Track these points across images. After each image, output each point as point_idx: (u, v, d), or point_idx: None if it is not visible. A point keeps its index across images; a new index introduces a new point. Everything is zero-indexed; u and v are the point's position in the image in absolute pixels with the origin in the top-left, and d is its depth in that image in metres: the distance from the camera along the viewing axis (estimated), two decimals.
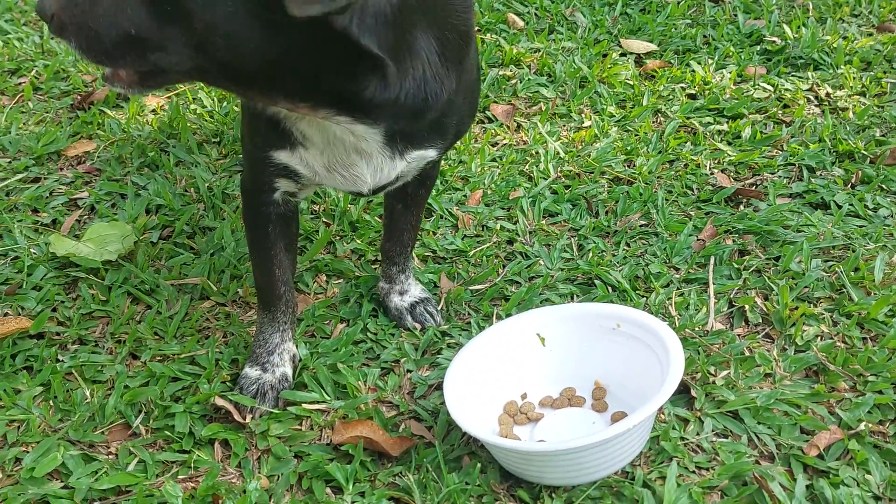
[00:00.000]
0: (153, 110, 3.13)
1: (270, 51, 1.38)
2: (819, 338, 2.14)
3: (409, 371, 2.11)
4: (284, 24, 1.33)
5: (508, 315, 2.22)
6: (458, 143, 2.93)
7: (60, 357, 2.15)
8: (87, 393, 2.05)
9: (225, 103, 3.17)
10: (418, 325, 2.24)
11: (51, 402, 2.03)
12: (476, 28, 3.59)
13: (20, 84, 3.30)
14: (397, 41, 1.47)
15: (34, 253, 2.47)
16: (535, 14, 3.82)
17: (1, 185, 2.74)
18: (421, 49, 1.53)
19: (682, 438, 1.89)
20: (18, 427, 1.97)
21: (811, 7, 3.79)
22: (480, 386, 1.92)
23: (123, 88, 1.52)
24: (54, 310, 2.30)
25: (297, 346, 2.15)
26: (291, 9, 1.24)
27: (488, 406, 1.93)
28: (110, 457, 1.91)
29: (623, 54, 3.51)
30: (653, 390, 1.77)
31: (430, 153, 1.81)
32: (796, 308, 2.20)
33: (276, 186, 1.89)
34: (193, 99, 3.20)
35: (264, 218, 1.96)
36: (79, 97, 3.20)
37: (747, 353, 2.09)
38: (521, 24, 3.73)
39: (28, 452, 1.89)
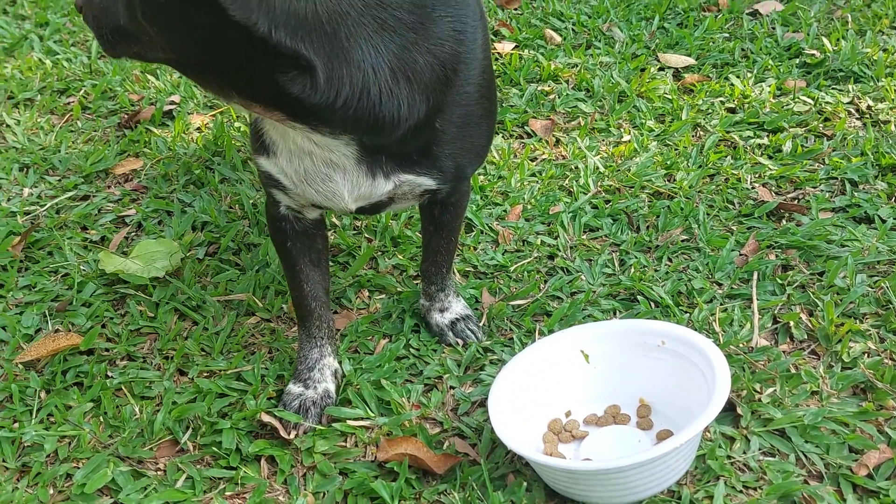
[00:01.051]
0: (198, 128, 3.19)
1: (191, 42, 1.48)
2: (866, 354, 2.12)
3: (452, 387, 2.13)
4: (189, 15, 1.42)
5: (551, 331, 2.22)
6: (498, 158, 2.95)
7: (110, 373, 2.20)
8: (136, 409, 2.09)
9: None
10: (460, 342, 2.26)
11: (101, 418, 2.07)
12: (512, 45, 3.61)
13: (69, 103, 3.37)
14: (323, 45, 1.49)
15: (84, 270, 2.53)
16: (573, 29, 3.83)
17: (51, 203, 2.81)
18: (362, 61, 1.55)
19: (729, 457, 1.88)
20: (70, 443, 2.02)
21: (850, 19, 3.76)
22: (524, 403, 1.93)
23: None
24: (103, 326, 2.35)
25: (339, 362, 2.18)
26: None
27: (532, 424, 1.94)
28: (159, 473, 1.95)
29: (661, 69, 3.51)
30: (699, 408, 1.77)
31: (425, 181, 1.84)
32: (842, 324, 2.18)
33: (277, 200, 1.94)
34: (237, 117, 3.25)
35: (282, 234, 2.01)
36: (126, 116, 3.26)
37: (793, 371, 2.08)
38: (558, 39, 3.74)
39: (79, 468, 1.94)
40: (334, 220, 2.70)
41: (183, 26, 1.45)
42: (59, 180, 2.93)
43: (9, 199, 2.83)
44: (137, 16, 1.49)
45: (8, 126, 3.20)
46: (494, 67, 3.50)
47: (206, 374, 2.19)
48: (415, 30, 1.61)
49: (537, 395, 1.97)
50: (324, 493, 1.87)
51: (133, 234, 2.71)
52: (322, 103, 1.55)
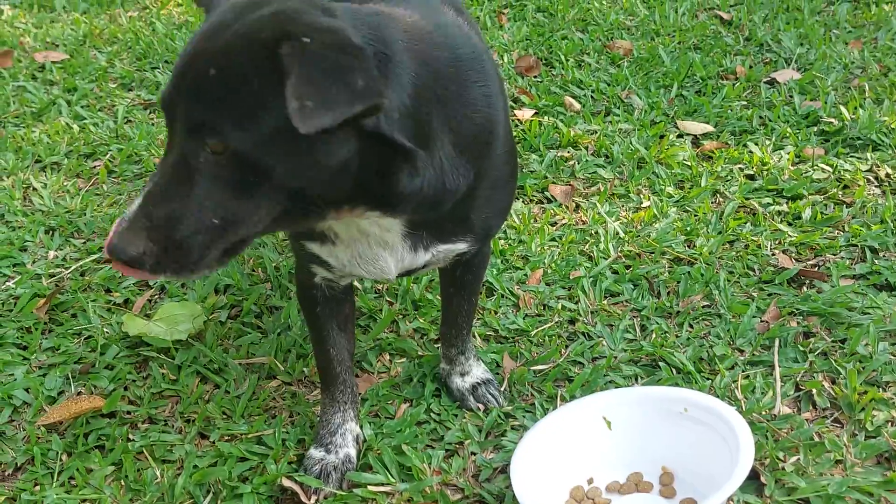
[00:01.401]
0: None
1: (332, 170, 1.44)
2: (890, 423, 2.10)
3: (473, 453, 2.12)
4: (336, 144, 1.40)
5: (573, 397, 2.22)
6: (518, 222, 2.98)
7: (132, 436, 2.20)
8: (158, 472, 2.09)
9: None
10: (481, 406, 2.25)
11: (122, 482, 2.07)
12: (532, 112, 3.67)
13: (95, 167, 3.43)
14: (419, 131, 1.52)
15: (107, 332, 2.55)
16: (592, 97, 3.89)
17: (76, 265, 2.84)
18: (437, 138, 1.58)
19: None
20: None
21: (867, 88, 3.81)
22: (547, 470, 1.92)
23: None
24: (126, 388, 2.36)
25: (360, 426, 2.17)
26: (300, 127, 1.28)
27: (554, 491, 1.93)
28: None
29: (680, 135, 3.55)
30: (722, 476, 1.76)
31: (459, 246, 1.86)
32: (865, 392, 2.17)
33: (314, 272, 1.94)
34: None
35: (312, 300, 2.01)
36: None
37: (816, 439, 2.07)
38: (577, 106, 3.80)
39: None
40: (356, 283, 2.73)
41: (326, 157, 1.42)
42: (84, 243, 2.97)
43: (34, 262, 2.87)
44: (274, 179, 1.41)
45: (35, 189, 3.26)
46: (515, 134, 3.55)
47: (227, 438, 2.19)
48: (458, 98, 1.63)
49: (559, 461, 1.96)
50: None
51: (156, 296, 2.73)
52: (415, 189, 1.57)
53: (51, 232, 3.03)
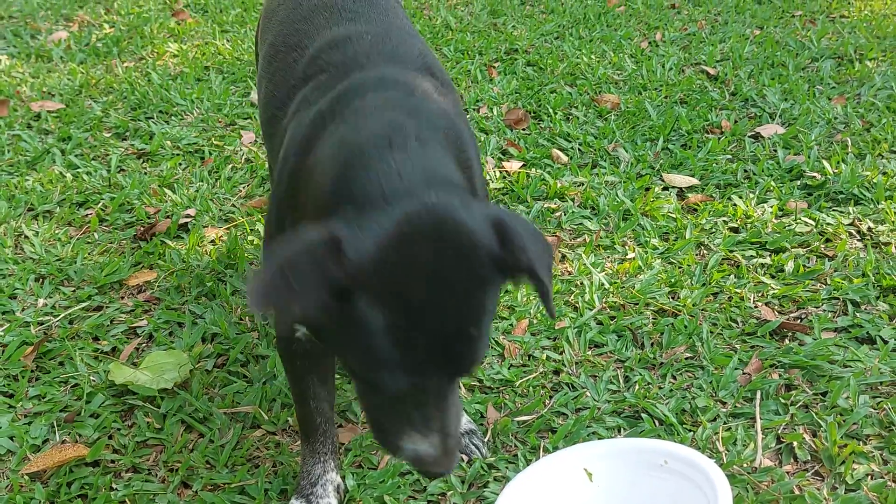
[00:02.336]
0: (212, 241, 3.27)
1: None
2: (869, 476, 2.12)
3: None
4: None
5: (555, 448, 2.23)
6: None
7: (115, 485, 2.20)
8: None
9: None
10: (464, 457, 2.26)
11: None
12: (520, 164, 3.72)
13: (87, 216, 3.47)
14: None
15: (93, 380, 2.56)
16: (579, 149, 3.95)
17: (65, 313, 2.86)
18: None
19: None
20: None
21: (850, 143, 3.87)
22: None
23: None
24: (110, 437, 2.37)
25: (343, 477, 2.18)
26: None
27: None
28: None
29: (665, 188, 3.60)
30: None
31: None
32: (845, 445, 2.19)
33: (296, 328, 1.93)
34: (251, 230, 3.33)
35: (292, 354, 2.02)
36: (142, 228, 3.35)
37: (797, 492, 2.08)
38: (564, 158, 3.85)
39: None
40: None
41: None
42: (74, 291, 2.99)
43: (23, 310, 2.89)
44: None
45: (26, 237, 3.29)
46: (503, 185, 3.60)
47: (210, 488, 2.20)
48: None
49: None
50: None
51: (144, 345, 2.75)
52: None
53: (41, 280, 3.05)
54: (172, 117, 4.35)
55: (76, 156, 3.92)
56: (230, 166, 3.82)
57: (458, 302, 1.45)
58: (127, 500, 2.15)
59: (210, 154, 3.94)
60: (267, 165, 3.26)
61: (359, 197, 1.50)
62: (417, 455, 1.57)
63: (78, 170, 3.79)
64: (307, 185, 1.69)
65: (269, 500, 2.15)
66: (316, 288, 1.37)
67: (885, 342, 2.59)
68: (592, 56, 5.05)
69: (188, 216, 3.42)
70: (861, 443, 2.22)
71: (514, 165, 3.75)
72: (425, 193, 1.48)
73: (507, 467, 2.22)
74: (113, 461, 2.28)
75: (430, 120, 1.72)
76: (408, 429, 1.56)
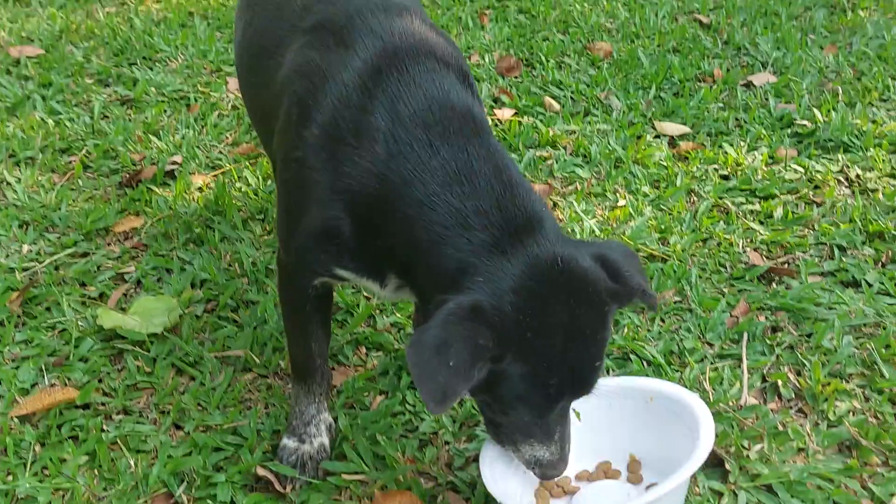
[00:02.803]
0: (199, 188, 3.25)
1: None
2: (851, 413, 2.15)
3: (446, 443, 2.14)
4: None
5: None
6: None
7: (105, 427, 2.21)
8: (132, 462, 2.10)
9: (269, 182, 3.28)
10: None
11: (95, 471, 2.08)
12: (511, 112, 3.70)
13: (70, 162, 3.43)
14: None
15: (81, 325, 2.55)
16: (571, 97, 3.92)
17: (50, 259, 2.84)
18: None
19: None
20: (63, 495, 2.02)
21: (841, 92, 3.86)
22: (516, 460, 1.94)
23: None
24: (100, 381, 2.36)
25: (335, 417, 2.19)
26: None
27: (525, 480, 1.95)
28: None
29: (657, 136, 3.59)
30: (682, 459, 1.79)
31: None
32: (829, 384, 2.21)
33: (319, 275, 1.93)
34: (239, 177, 3.31)
35: (303, 299, 2.00)
36: (127, 175, 3.32)
37: (781, 428, 2.10)
38: (557, 107, 3.83)
39: None
40: None
41: None
42: (59, 237, 2.97)
43: (7, 256, 2.87)
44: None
45: (8, 184, 3.26)
46: (494, 134, 3.57)
47: (202, 429, 2.20)
48: None
49: None
50: None
51: (132, 291, 2.74)
52: None
53: (25, 226, 3.02)
54: (156, 63, 4.30)
55: (58, 102, 3.87)
56: (216, 113, 3.79)
57: (589, 343, 1.61)
58: (118, 440, 2.15)
59: (196, 101, 3.90)
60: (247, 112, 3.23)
61: (466, 239, 1.61)
62: (536, 458, 1.76)
63: (60, 116, 3.75)
64: (382, 204, 1.71)
65: (261, 440, 2.16)
66: (473, 363, 1.49)
67: (870, 285, 2.61)
68: (585, 4, 5.01)
69: (174, 163, 3.39)
70: (844, 381, 2.25)
71: (505, 113, 3.73)
72: (535, 240, 1.61)
73: None
74: (103, 404, 2.28)
75: (490, 145, 1.75)
76: (530, 439, 1.73)
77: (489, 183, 1.65)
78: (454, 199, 1.64)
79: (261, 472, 2.02)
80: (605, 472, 1.99)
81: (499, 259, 1.58)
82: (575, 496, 1.94)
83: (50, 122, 3.69)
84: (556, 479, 1.97)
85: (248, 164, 3.39)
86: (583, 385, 1.66)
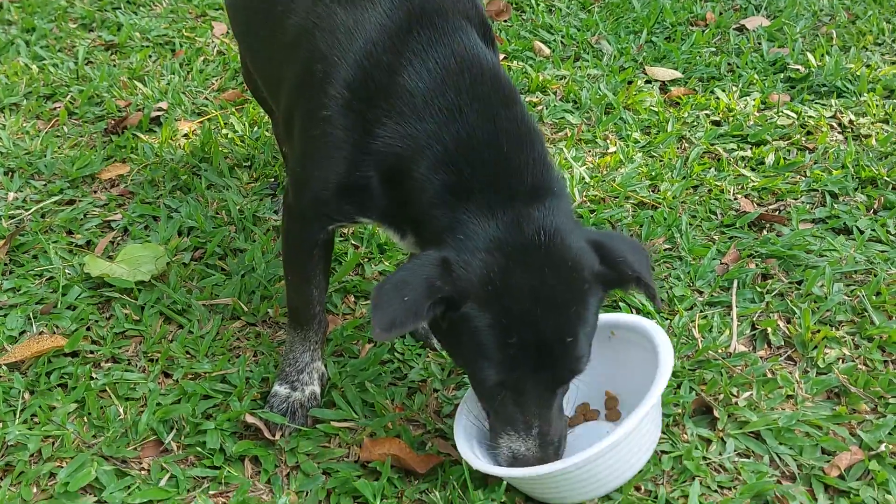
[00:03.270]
0: (186, 135, 3.21)
1: None
2: (841, 360, 2.16)
3: (435, 390, 2.15)
4: None
5: None
6: None
7: (94, 375, 2.20)
8: (121, 410, 2.10)
9: (256, 128, 3.24)
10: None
11: (85, 419, 2.08)
12: (501, 57, 3.65)
13: (55, 109, 3.38)
14: None
15: (69, 273, 2.53)
16: (562, 42, 3.87)
17: (36, 207, 2.81)
18: None
19: (705, 458, 1.90)
20: (53, 443, 2.02)
21: (835, 36, 3.82)
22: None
23: None
24: (88, 329, 2.35)
25: (325, 366, 2.19)
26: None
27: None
28: (143, 472, 1.95)
29: (648, 81, 3.55)
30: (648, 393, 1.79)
31: None
32: (818, 331, 2.22)
33: (337, 221, 1.93)
34: (225, 124, 3.27)
35: (311, 244, 1.99)
36: (112, 122, 3.28)
37: (769, 375, 2.11)
38: (547, 51, 3.78)
39: (62, 468, 1.94)
40: None
41: None
42: (45, 185, 2.93)
43: None
44: None
45: None
46: None
47: (190, 377, 2.20)
48: None
49: None
50: (307, 493, 1.89)
51: (119, 238, 2.72)
52: None
53: (10, 173, 2.99)
54: (140, 7, 4.22)
55: (41, 47, 3.81)
56: (202, 58, 3.73)
57: (557, 313, 1.62)
58: (107, 388, 2.15)
59: (181, 46, 3.83)
60: (240, 60, 3.18)
61: (463, 203, 1.66)
62: (513, 455, 1.74)
63: (44, 62, 3.68)
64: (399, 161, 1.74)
65: (250, 387, 2.16)
66: (425, 301, 1.56)
67: (861, 232, 2.61)
68: None
69: (160, 109, 3.35)
70: (834, 328, 2.25)
71: None
72: (529, 211, 1.65)
73: None
74: (92, 352, 2.28)
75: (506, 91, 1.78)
76: (508, 428, 1.72)
77: (508, 153, 1.68)
78: (467, 166, 1.67)
79: (250, 419, 2.02)
80: (583, 414, 2.00)
81: (486, 223, 1.64)
82: None
83: (34, 67, 3.63)
84: None
85: (234, 110, 3.35)
86: (549, 356, 1.64)
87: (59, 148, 3.14)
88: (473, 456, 1.79)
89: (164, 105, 3.37)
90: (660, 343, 1.85)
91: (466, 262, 1.62)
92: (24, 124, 3.26)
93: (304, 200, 1.93)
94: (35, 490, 1.90)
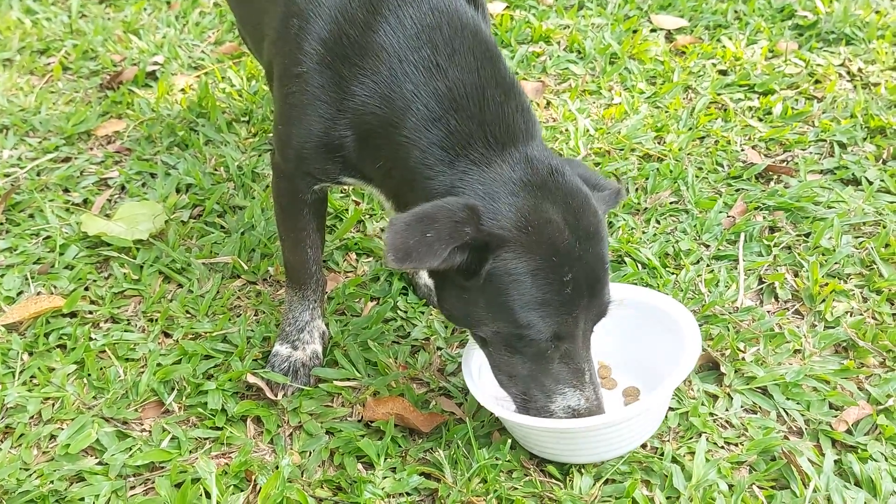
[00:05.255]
0: (182, 90, 3.15)
1: None
2: (849, 314, 2.13)
3: (439, 348, 2.12)
4: None
5: None
6: None
7: (93, 335, 2.18)
8: (121, 370, 2.08)
9: (254, 82, 3.18)
10: None
11: (84, 380, 2.06)
12: (503, 7, 3.57)
13: (49, 64, 3.32)
14: None
15: (66, 232, 2.50)
16: None
17: (32, 165, 2.77)
18: None
19: (712, 414, 1.89)
20: (53, 404, 2.01)
21: None
22: (490, 376, 1.90)
23: None
24: (86, 289, 2.33)
25: (327, 324, 2.16)
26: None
27: (499, 395, 1.93)
28: (144, 433, 1.94)
29: (653, 30, 3.47)
30: (658, 361, 1.77)
31: None
32: (826, 284, 2.19)
33: (321, 181, 1.90)
34: (222, 78, 3.21)
35: (300, 203, 1.96)
36: (108, 77, 3.22)
37: (777, 330, 2.09)
38: (550, 0, 3.70)
39: (63, 429, 1.93)
40: None
41: None
42: (40, 142, 2.89)
43: None
44: None
45: None
46: None
47: (191, 336, 2.18)
48: None
49: None
50: (310, 452, 1.87)
51: (116, 196, 2.68)
52: None
53: (4, 130, 2.94)
54: None
55: (34, 0, 3.73)
56: (198, 10, 3.65)
57: (594, 241, 1.59)
58: (107, 349, 2.13)
59: None
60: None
61: (461, 156, 1.61)
62: (572, 411, 1.66)
63: (37, 16, 3.61)
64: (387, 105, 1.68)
65: (251, 347, 2.13)
66: (449, 241, 1.47)
67: (870, 182, 2.56)
68: None
69: (156, 63, 3.29)
70: (842, 282, 2.22)
71: (497, 7, 3.60)
72: (528, 153, 1.62)
73: None
74: (90, 312, 2.25)
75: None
76: (561, 386, 1.65)
77: (497, 101, 1.65)
78: (455, 120, 1.63)
79: (251, 379, 2.00)
80: None
81: (497, 168, 1.60)
82: None
83: (27, 21, 3.56)
84: None
85: (231, 64, 3.29)
86: (598, 288, 1.60)
87: (53, 104, 3.09)
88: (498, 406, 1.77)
89: (159, 59, 3.31)
90: (678, 316, 1.82)
91: (493, 209, 1.55)
92: (18, 80, 3.20)
93: (288, 159, 1.90)
94: (36, 452, 1.89)
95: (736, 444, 1.83)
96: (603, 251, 1.62)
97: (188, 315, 2.24)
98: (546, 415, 1.67)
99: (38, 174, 2.74)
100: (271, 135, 2.92)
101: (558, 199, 1.58)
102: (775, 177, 2.64)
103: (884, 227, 2.38)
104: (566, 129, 2.89)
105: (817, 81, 3.10)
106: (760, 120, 2.92)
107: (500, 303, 1.58)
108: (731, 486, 1.73)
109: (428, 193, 1.63)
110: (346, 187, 2.63)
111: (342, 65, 1.71)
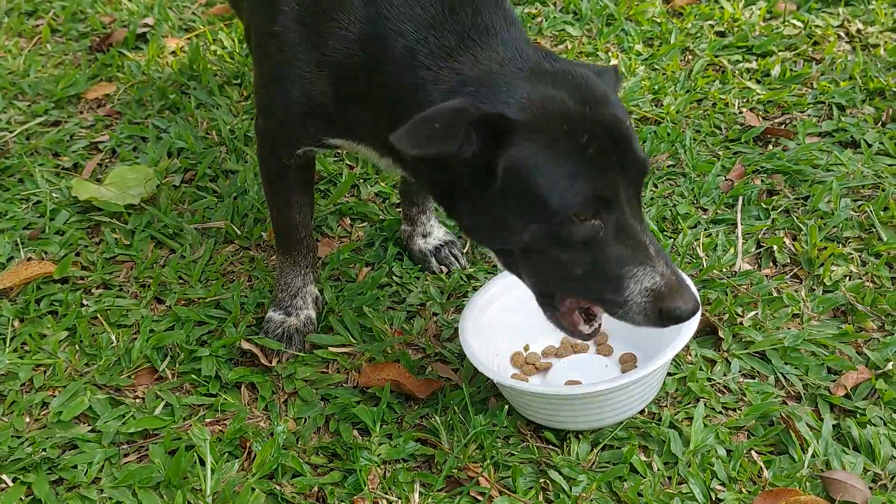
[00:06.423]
0: (173, 52, 3.10)
1: None
2: (847, 278, 2.11)
3: (435, 314, 2.11)
4: None
5: None
6: None
7: (85, 301, 2.16)
8: (113, 337, 2.06)
9: (245, 45, 3.13)
10: (444, 269, 2.22)
11: (76, 347, 2.04)
12: None
13: (37, 26, 3.27)
14: None
15: (56, 197, 2.47)
16: None
17: (21, 128, 2.73)
18: None
19: (709, 379, 1.88)
20: (45, 371, 1.99)
21: None
22: (487, 340, 1.89)
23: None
24: (77, 254, 2.30)
25: (321, 290, 2.14)
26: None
27: (497, 359, 1.92)
28: (137, 400, 1.92)
29: None
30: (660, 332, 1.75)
31: None
32: (825, 248, 2.17)
33: (305, 145, 1.86)
34: (214, 40, 3.16)
35: (284, 168, 1.93)
36: (97, 39, 3.17)
37: (775, 294, 2.07)
38: None
39: (55, 396, 1.92)
40: None
41: None
42: (29, 105, 2.85)
43: None
44: None
45: None
46: None
47: (184, 302, 2.16)
48: None
49: (498, 331, 1.93)
50: (305, 419, 1.86)
51: (107, 160, 2.65)
52: None
53: None
54: None
55: None
56: None
57: (603, 102, 1.50)
58: (99, 315, 2.11)
59: None
60: None
61: (446, 68, 1.55)
62: (650, 290, 1.48)
63: None
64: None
65: (245, 313, 2.11)
66: (458, 125, 1.40)
67: (869, 145, 2.54)
68: None
69: (146, 25, 3.23)
70: (841, 245, 2.20)
71: None
72: (514, 31, 1.59)
73: (486, 277, 2.19)
74: (82, 278, 2.23)
75: None
76: (628, 268, 1.48)
77: (473, 11, 1.59)
78: (435, 39, 1.57)
79: (245, 345, 1.98)
80: (572, 346, 1.96)
81: (486, 60, 1.54)
82: (549, 372, 1.92)
83: None
84: (524, 356, 1.95)
85: (222, 25, 3.23)
86: (621, 140, 1.48)
87: (42, 67, 3.04)
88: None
89: (149, 21, 3.26)
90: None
91: (492, 101, 1.46)
92: (6, 43, 3.15)
93: (270, 121, 1.87)
94: (28, 419, 1.88)
95: (734, 410, 1.82)
96: (617, 112, 1.51)
97: (181, 281, 2.22)
98: (625, 306, 1.51)
99: (28, 138, 2.70)
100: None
101: (557, 79, 1.50)
102: (773, 139, 2.61)
103: (883, 190, 2.36)
104: None
105: (816, 43, 3.06)
106: (758, 82, 2.88)
107: (527, 198, 1.47)
108: (729, 452, 1.72)
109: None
110: (338, 151, 2.60)
111: (318, 20, 1.67)
